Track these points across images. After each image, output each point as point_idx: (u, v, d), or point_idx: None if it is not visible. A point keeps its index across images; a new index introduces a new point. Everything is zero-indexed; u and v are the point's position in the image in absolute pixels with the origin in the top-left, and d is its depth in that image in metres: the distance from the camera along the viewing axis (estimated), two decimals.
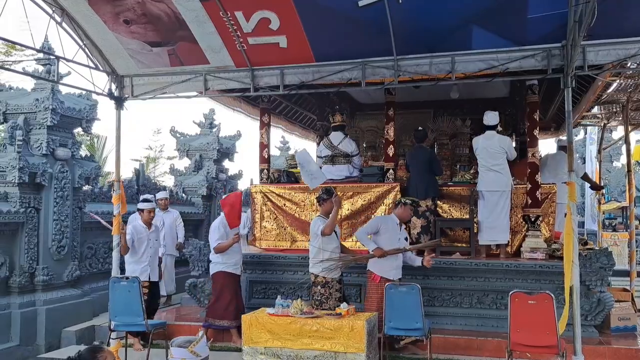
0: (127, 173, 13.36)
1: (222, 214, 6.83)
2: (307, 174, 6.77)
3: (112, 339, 6.09)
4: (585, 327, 6.10)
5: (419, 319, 5.52)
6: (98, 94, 6.54)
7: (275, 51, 5.92)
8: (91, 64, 6.29)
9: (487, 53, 5.58)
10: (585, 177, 9.34)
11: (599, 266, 6.33)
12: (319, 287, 6.17)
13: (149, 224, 6.91)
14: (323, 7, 5.40)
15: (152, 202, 7.16)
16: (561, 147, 8.68)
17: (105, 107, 7.20)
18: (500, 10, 5.24)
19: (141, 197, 7.26)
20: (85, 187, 8.43)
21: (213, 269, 6.84)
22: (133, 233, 6.68)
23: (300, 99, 10.45)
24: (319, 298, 6.15)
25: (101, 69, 6.42)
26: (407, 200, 6.33)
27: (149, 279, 6.81)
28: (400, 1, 5.15)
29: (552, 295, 4.91)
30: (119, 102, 6.58)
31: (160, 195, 9.00)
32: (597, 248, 7.61)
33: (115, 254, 6.46)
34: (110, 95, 6.52)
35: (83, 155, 8.70)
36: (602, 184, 10.49)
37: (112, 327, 6.05)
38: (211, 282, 6.96)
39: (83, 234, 8.19)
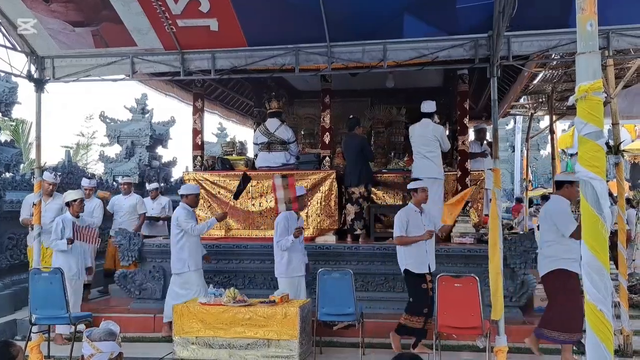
0: (57, 160, 12.77)
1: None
2: None
3: (34, 332, 5.81)
4: (510, 307, 6.36)
5: (351, 304, 5.58)
6: (16, 75, 6.16)
7: (206, 34, 5.75)
8: (8, 44, 5.91)
9: (418, 42, 5.66)
10: None
11: (523, 249, 6.60)
12: None
13: None
14: None
15: None
16: (476, 131, 9.01)
17: (31, 91, 6.72)
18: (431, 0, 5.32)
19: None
20: (6, 174, 7.97)
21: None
22: None
23: (237, 84, 10.27)
24: None
25: (19, 49, 6.05)
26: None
27: None
28: None
29: (477, 278, 5.08)
30: (39, 84, 6.22)
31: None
32: (521, 232, 7.95)
33: (35, 245, 6.14)
34: (29, 77, 6.15)
35: (3, 141, 8.21)
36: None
37: (33, 320, 5.78)
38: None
39: (4, 224, 7.74)
